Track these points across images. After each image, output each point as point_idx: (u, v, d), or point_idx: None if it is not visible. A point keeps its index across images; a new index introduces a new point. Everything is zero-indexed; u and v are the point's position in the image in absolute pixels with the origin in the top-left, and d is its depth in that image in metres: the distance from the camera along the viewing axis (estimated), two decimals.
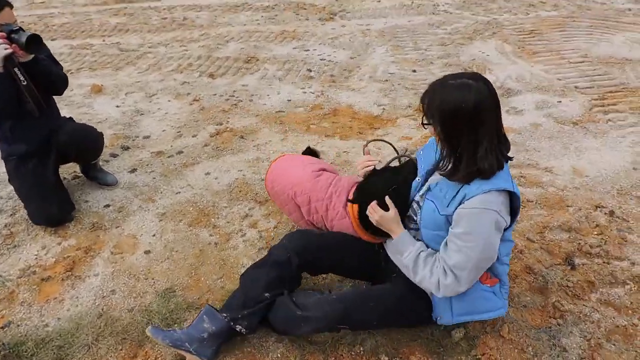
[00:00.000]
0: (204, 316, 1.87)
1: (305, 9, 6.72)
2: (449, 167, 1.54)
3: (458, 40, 5.13)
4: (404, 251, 1.70)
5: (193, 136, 3.64)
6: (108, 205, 2.88)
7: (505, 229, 1.56)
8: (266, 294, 1.84)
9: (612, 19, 5.61)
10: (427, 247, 1.71)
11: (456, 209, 1.52)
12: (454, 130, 1.46)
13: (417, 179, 1.80)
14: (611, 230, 2.44)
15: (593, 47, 4.77)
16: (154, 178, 3.16)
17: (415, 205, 1.77)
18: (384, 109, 3.86)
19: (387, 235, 1.80)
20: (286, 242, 1.93)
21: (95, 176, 3.06)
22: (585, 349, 1.86)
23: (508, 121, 3.55)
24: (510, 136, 3.33)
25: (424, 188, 1.71)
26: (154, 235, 2.65)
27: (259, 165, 3.23)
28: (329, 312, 1.73)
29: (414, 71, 4.42)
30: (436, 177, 1.67)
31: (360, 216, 1.89)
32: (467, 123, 1.43)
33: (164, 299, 2.23)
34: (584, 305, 2.06)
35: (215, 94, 4.30)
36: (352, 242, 1.97)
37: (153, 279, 2.36)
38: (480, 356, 1.86)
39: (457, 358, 1.87)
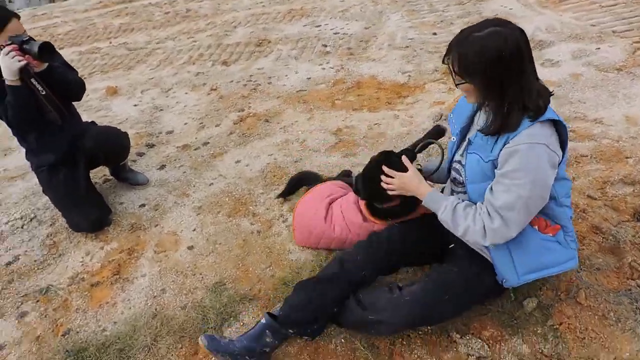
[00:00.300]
0: (267, 331, 1.73)
1: None
2: (498, 122, 1.42)
3: None
4: (438, 209, 1.60)
5: (216, 126, 3.55)
6: (143, 205, 2.82)
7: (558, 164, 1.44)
8: (336, 309, 1.74)
9: None
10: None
11: (500, 150, 1.42)
12: (498, 80, 1.36)
13: (452, 138, 1.70)
14: None
15: None
16: (185, 172, 3.08)
17: (457, 165, 1.66)
18: (409, 76, 3.70)
19: (403, 214, 1.78)
20: (360, 257, 1.75)
21: (125, 177, 3.00)
22: None
23: (544, 74, 3.36)
24: (550, 89, 3.18)
25: (464, 143, 1.62)
26: (194, 230, 2.58)
27: (289, 147, 3.12)
28: (405, 317, 1.61)
29: (435, 34, 4.23)
30: (474, 128, 1.57)
31: (369, 205, 1.95)
32: (512, 69, 1.34)
33: (215, 293, 2.16)
34: None
35: (232, 81, 4.19)
36: (415, 230, 1.83)
37: (201, 274, 2.29)
38: (557, 326, 1.74)
39: (532, 329, 1.76)
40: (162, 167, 3.18)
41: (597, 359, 1.64)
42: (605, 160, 2.49)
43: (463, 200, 1.60)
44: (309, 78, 3.99)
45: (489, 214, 1.46)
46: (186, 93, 4.13)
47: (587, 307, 1.79)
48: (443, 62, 1.46)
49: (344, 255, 1.80)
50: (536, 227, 1.55)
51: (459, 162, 1.64)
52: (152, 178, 3.04)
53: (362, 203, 2.07)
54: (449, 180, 1.82)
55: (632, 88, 3.02)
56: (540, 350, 1.70)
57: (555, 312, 1.79)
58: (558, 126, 1.41)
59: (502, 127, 1.42)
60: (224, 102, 3.85)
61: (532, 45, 3.77)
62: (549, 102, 1.43)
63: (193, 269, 2.32)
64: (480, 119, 1.55)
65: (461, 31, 1.42)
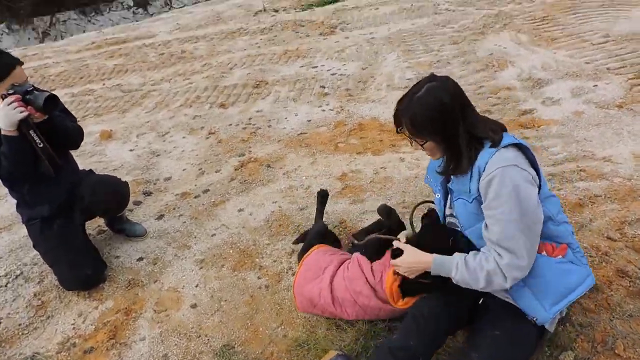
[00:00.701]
0: None
1: (303, 26, 6.59)
2: (455, 164, 1.52)
3: (469, 36, 4.96)
4: (450, 271, 1.56)
5: (216, 171, 3.44)
6: (141, 259, 2.67)
7: (539, 186, 1.47)
8: None
9: None
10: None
11: (478, 186, 1.46)
12: (449, 126, 1.46)
13: (436, 195, 1.74)
14: None
15: (612, 25, 4.58)
16: (184, 222, 2.95)
17: (452, 219, 1.68)
18: None
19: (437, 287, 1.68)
20: (412, 343, 1.58)
21: (122, 228, 2.85)
22: None
23: (547, 113, 3.34)
24: (554, 128, 3.16)
25: (450, 197, 1.65)
26: (197, 286, 2.43)
27: (294, 194, 3.02)
28: None
29: None
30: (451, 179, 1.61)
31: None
32: (456, 111, 1.45)
33: (224, 357, 2.00)
34: None
35: (230, 124, 4.11)
36: (451, 297, 1.70)
37: (206, 335, 2.13)
38: None
39: None
40: (161, 216, 3.04)
41: None
42: (620, 199, 2.43)
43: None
44: (310, 120, 3.93)
45: (496, 252, 1.45)
46: (184, 137, 4.04)
47: (626, 359, 1.67)
48: (397, 132, 1.57)
49: (396, 345, 1.58)
50: (544, 253, 1.53)
51: (451, 214, 1.66)
52: (150, 229, 2.90)
53: (387, 287, 1.84)
54: None
55: (635, 125, 3.00)
56: None
57: None
58: (521, 149, 1.46)
59: (457, 164, 1.50)
60: (223, 146, 3.76)
61: (531, 84, 3.85)
62: (501, 130, 1.53)
63: (198, 330, 2.17)
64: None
65: (402, 98, 1.53)
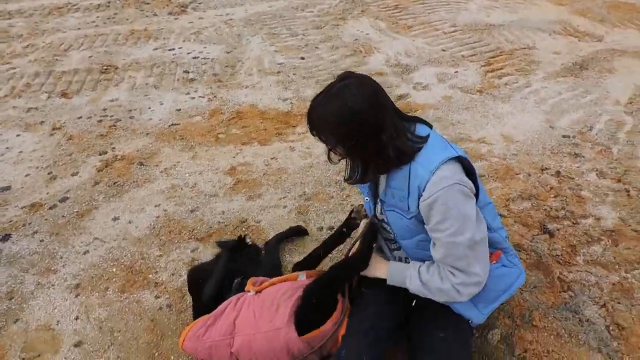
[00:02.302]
0: None
1: (148, 3, 5.89)
2: (360, 174, 1.43)
3: (331, 21, 4.99)
4: (405, 279, 1.52)
5: (73, 175, 2.86)
6: None
7: (475, 195, 1.44)
8: None
9: None
10: (416, 259, 1.56)
11: (418, 204, 1.39)
12: (357, 135, 1.33)
13: (366, 199, 1.63)
14: (565, 190, 2.55)
15: (456, 16, 5.05)
16: (42, 241, 2.39)
17: (383, 224, 1.61)
18: (291, 103, 3.53)
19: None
20: (365, 358, 1.47)
21: None
22: (605, 316, 1.88)
23: (420, 97, 3.53)
24: (430, 112, 3.36)
25: (379, 204, 1.57)
26: (77, 319, 1.99)
27: (179, 194, 2.67)
28: None
29: (303, 59, 4.15)
30: (380, 186, 1.52)
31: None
32: (368, 120, 1.32)
33: None
34: (578, 270, 2.09)
35: (80, 117, 3.47)
36: (390, 302, 1.63)
37: None
38: (523, 354, 1.75)
39: None
40: (6, 237, 2.42)
41: None
42: (500, 178, 2.68)
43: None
44: (179, 110, 3.52)
45: (448, 271, 1.41)
46: (18, 135, 3.28)
47: (543, 329, 1.84)
48: (311, 132, 1.41)
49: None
50: None
51: (383, 220, 1.58)
52: None
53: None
54: (382, 242, 1.71)
55: (497, 109, 3.35)
56: None
57: (517, 340, 1.80)
58: (460, 160, 1.40)
59: (363, 175, 1.42)
60: (77, 144, 3.15)
61: (400, 70, 4.03)
62: (424, 136, 1.42)
63: None
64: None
65: (315, 97, 1.38)
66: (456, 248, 1.35)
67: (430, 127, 1.50)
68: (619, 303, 1.93)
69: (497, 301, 1.60)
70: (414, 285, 1.48)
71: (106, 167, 2.91)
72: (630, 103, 3.38)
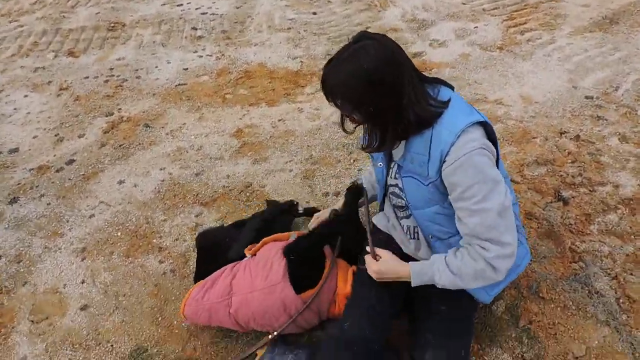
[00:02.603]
0: None
1: None
2: (379, 142, 1.34)
3: None
4: (433, 275, 1.39)
5: (80, 137, 2.85)
6: None
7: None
8: None
9: None
10: (426, 232, 1.48)
11: (439, 171, 1.29)
12: (374, 100, 1.25)
13: (379, 164, 1.53)
14: (583, 155, 2.42)
15: None
16: (49, 204, 2.41)
17: (395, 190, 1.50)
18: (301, 62, 3.41)
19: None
20: (368, 333, 1.44)
21: None
22: (616, 288, 1.81)
23: (436, 55, 3.36)
24: (446, 71, 3.20)
25: (393, 167, 1.47)
26: (83, 282, 2.01)
27: (185, 157, 2.64)
28: None
29: (315, 13, 3.97)
30: (397, 151, 1.41)
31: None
32: (385, 84, 1.23)
33: None
34: (591, 240, 2.00)
35: (87, 77, 3.42)
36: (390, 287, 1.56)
37: (109, 341, 1.78)
38: (528, 325, 1.71)
39: (507, 335, 1.69)
40: (14, 200, 2.44)
41: (572, 353, 1.64)
42: (516, 141, 2.56)
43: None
44: (186, 69, 3.44)
45: (479, 247, 1.30)
46: (26, 95, 3.26)
47: (550, 300, 1.79)
48: (327, 98, 1.31)
49: (348, 334, 1.44)
50: None
51: (396, 185, 1.48)
52: (2, 218, 2.32)
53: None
54: (389, 209, 1.63)
55: (517, 67, 3.17)
56: (521, 355, 1.64)
57: (522, 311, 1.76)
58: (484, 126, 1.31)
59: (381, 142, 1.33)
60: (83, 104, 3.12)
61: (417, 25, 3.83)
62: (436, 113, 1.30)
63: (96, 337, 1.80)
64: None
65: (328, 60, 1.28)
66: (486, 216, 1.25)
67: (452, 89, 1.40)
68: (631, 274, 1.86)
69: (505, 282, 1.53)
70: (444, 279, 1.36)
71: (112, 128, 2.89)
72: None
